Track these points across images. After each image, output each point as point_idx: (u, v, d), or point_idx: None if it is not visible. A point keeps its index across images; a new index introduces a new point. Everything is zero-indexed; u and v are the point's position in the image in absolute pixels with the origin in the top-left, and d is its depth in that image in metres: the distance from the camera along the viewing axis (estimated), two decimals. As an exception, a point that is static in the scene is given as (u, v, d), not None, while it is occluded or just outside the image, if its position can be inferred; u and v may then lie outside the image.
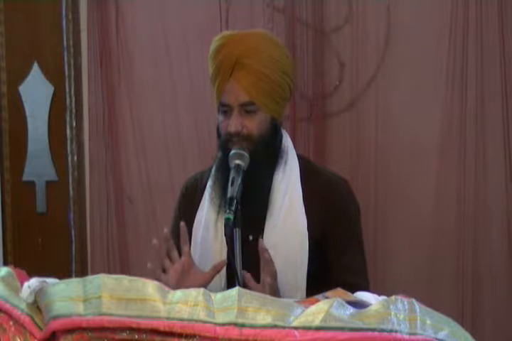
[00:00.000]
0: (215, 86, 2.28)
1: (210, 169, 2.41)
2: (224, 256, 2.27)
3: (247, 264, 2.14)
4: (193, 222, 2.37)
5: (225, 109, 2.27)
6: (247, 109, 2.26)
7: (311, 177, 2.34)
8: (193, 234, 2.35)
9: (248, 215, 2.14)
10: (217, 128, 2.34)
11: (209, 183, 2.37)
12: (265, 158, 2.30)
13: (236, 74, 2.24)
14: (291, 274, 2.24)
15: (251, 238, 2.25)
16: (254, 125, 2.26)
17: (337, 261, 2.28)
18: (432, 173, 3.14)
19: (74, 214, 3.54)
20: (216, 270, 2.17)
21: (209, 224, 2.32)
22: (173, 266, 2.17)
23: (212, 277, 2.17)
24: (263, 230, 2.28)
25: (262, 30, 2.58)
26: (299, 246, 2.26)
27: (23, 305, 1.55)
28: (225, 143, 2.28)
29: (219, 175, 2.34)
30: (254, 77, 2.24)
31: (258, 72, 2.25)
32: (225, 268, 2.24)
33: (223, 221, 2.21)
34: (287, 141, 2.38)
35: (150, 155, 3.45)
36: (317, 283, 2.24)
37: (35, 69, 3.56)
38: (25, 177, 3.60)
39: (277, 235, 2.26)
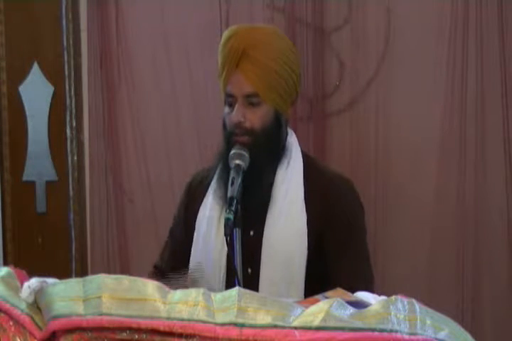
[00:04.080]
0: (222, 76, 2.31)
1: (216, 165, 2.42)
2: (224, 253, 2.29)
3: (247, 259, 2.16)
4: (197, 217, 2.38)
5: (230, 100, 2.29)
6: (251, 100, 2.27)
7: (314, 175, 2.35)
8: (195, 229, 2.36)
9: (250, 210, 2.15)
10: (223, 121, 2.35)
11: (214, 179, 2.38)
12: (267, 152, 2.31)
13: (242, 66, 2.27)
14: (289, 271, 2.25)
15: (252, 233, 2.25)
16: (257, 117, 2.28)
17: (337, 262, 2.28)
18: (432, 173, 3.14)
19: (74, 214, 3.54)
20: None
21: (212, 221, 2.34)
22: None
23: None
24: (264, 226, 2.29)
25: (271, 25, 2.60)
26: (298, 243, 2.27)
27: (23, 305, 1.55)
28: (229, 135, 2.29)
29: (223, 171, 2.36)
30: (259, 69, 2.27)
31: (264, 64, 2.27)
32: (225, 265, 2.27)
33: None
34: (292, 139, 2.39)
35: (150, 155, 3.44)
36: (316, 281, 2.25)
37: (35, 69, 3.56)
38: (25, 177, 3.60)
39: (277, 231, 2.27)
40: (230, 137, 2.29)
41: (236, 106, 2.28)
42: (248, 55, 2.27)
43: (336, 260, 2.28)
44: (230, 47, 2.29)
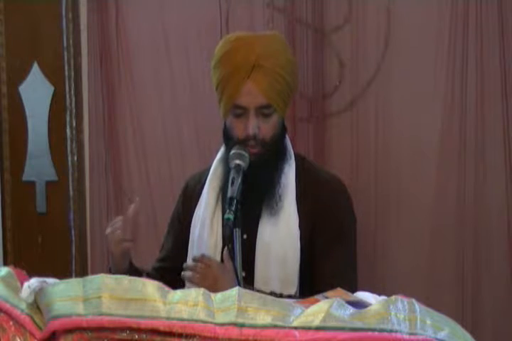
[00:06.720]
0: (228, 87, 2.25)
1: (210, 168, 2.42)
2: (218, 252, 2.29)
3: (240, 263, 2.15)
4: (192, 219, 2.39)
5: (240, 112, 2.25)
6: (264, 111, 2.25)
7: (306, 176, 2.35)
8: (191, 230, 2.37)
9: (243, 214, 2.15)
10: (224, 131, 2.33)
11: (207, 181, 2.38)
12: (271, 159, 2.30)
13: (254, 76, 2.23)
14: (283, 271, 2.26)
15: (245, 237, 2.25)
16: (269, 128, 2.27)
17: (321, 262, 2.29)
18: (432, 173, 3.14)
19: (74, 214, 3.54)
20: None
21: (205, 221, 2.34)
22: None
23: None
24: (257, 229, 2.28)
25: (273, 32, 2.58)
26: (290, 244, 2.27)
27: (23, 305, 1.55)
28: (238, 145, 2.26)
29: (218, 173, 2.35)
30: (272, 80, 2.24)
31: (275, 74, 2.24)
32: None
33: (219, 218, 2.23)
34: (287, 140, 2.39)
35: (150, 155, 3.44)
36: (310, 281, 2.25)
37: (35, 69, 3.56)
38: (25, 177, 3.60)
39: (270, 234, 2.28)
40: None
41: (250, 118, 2.24)
42: (260, 66, 2.23)
43: (321, 261, 2.28)
44: (240, 57, 2.24)
